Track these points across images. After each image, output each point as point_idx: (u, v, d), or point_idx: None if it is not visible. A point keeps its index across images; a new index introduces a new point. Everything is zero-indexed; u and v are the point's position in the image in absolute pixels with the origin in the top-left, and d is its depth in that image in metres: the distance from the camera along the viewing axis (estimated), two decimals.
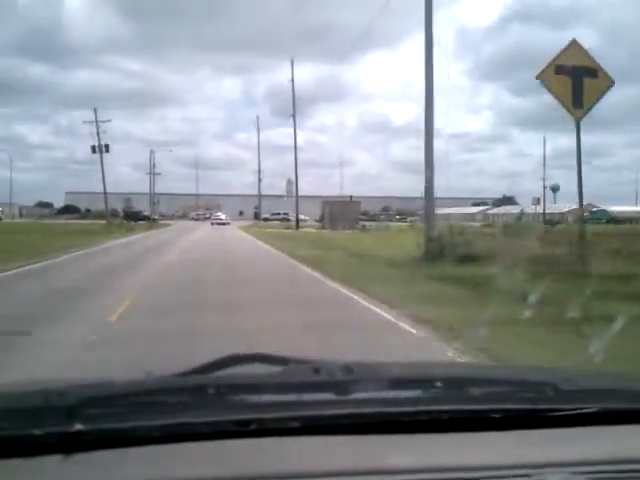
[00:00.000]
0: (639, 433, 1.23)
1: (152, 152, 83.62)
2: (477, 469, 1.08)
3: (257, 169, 79.39)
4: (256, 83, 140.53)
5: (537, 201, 64.28)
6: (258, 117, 75.78)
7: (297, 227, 48.26)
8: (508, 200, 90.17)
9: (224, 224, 72.28)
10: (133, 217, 61.38)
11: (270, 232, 37.05)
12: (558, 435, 1.23)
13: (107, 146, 54.22)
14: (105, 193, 52.78)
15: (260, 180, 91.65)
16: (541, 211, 65.68)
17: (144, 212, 68.26)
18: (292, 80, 45.92)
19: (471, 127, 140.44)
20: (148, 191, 77.89)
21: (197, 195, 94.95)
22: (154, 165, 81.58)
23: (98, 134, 52.78)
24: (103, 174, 47.90)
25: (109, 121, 54.69)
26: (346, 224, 48.68)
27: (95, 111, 51.58)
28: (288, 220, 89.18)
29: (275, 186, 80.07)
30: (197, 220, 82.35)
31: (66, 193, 79.67)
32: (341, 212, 58.46)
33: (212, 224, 71.87)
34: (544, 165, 69.39)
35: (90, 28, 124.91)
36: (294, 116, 47.48)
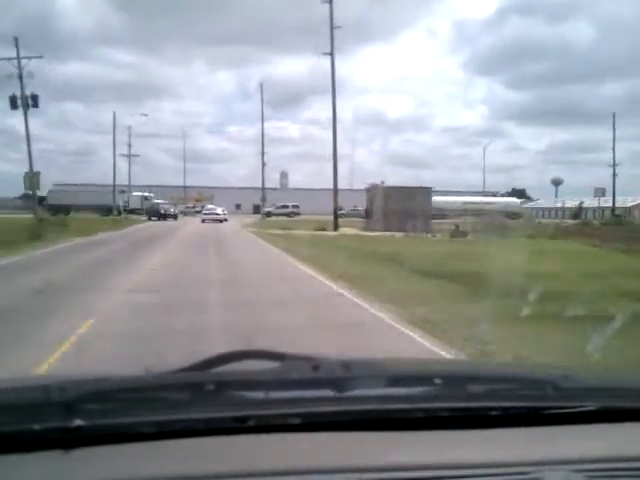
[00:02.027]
0: (638, 431, 1.25)
1: (129, 128, 79.12)
2: (476, 466, 1.09)
3: (256, 162, 73.55)
4: (250, 76, 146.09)
5: (601, 193, 60.08)
6: (262, 88, 76.45)
7: (336, 227, 37.55)
8: (519, 193, 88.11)
9: (220, 220, 56.97)
10: (152, 213, 60.06)
11: (301, 237, 27.61)
12: (557, 433, 1.23)
13: (35, 98, 36.43)
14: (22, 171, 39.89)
15: (264, 164, 79.04)
16: (604, 204, 60.70)
17: (167, 207, 64.43)
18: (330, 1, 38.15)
19: (467, 121, 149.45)
20: (140, 182, 74.33)
21: (185, 187, 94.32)
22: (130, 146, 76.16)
23: (21, 77, 36.39)
24: (29, 142, 37.02)
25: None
26: (414, 224, 34.50)
27: (16, 41, 36.42)
28: (297, 215, 78.82)
29: (268, 179, 79.12)
30: (185, 214, 73.25)
31: (53, 185, 75.23)
32: (403, 206, 41.28)
33: (203, 221, 55.92)
34: (613, 152, 59.73)
35: (82, 19, 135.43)
36: (332, 51, 40.87)
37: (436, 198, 73.66)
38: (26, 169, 33.85)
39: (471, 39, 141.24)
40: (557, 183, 75.35)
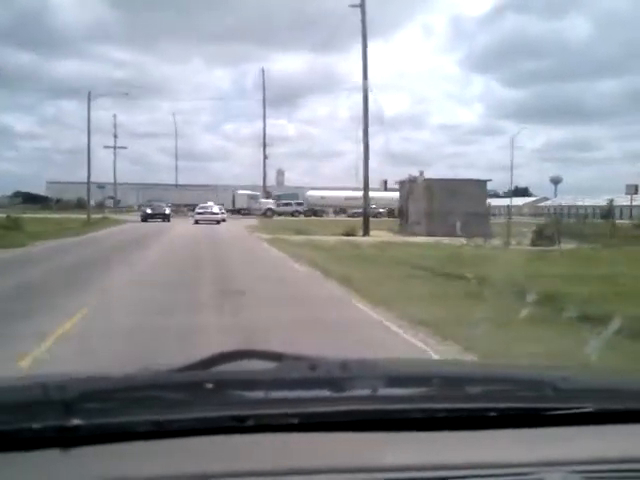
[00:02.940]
0: (636, 432, 1.30)
1: (115, 117, 73.25)
2: (474, 467, 1.13)
3: (254, 159, 72.43)
4: (247, 73, 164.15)
5: (634, 190, 52.94)
6: (264, 74, 74.13)
7: (366, 231, 32.48)
8: (522, 191, 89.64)
9: (217, 221, 47.59)
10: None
11: (335, 247, 22.05)
12: (555, 434, 1.27)
13: None
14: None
15: (266, 158, 75.39)
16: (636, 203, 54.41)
17: (157, 204, 55.33)
18: None
19: (463, 119, 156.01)
20: (136, 180, 75.39)
21: (177, 185, 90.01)
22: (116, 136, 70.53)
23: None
24: None
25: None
26: (468, 227, 28.52)
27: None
28: (301, 213, 70.24)
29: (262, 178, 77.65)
30: (177, 213, 64.59)
31: (47, 182, 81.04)
32: (450, 203, 32.97)
33: (197, 222, 46.81)
34: None
35: (78, 16, 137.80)
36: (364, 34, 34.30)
37: (312, 193, 72.11)
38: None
39: (468, 36, 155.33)
40: (556, 181, 78.86)
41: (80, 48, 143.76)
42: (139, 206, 56.56)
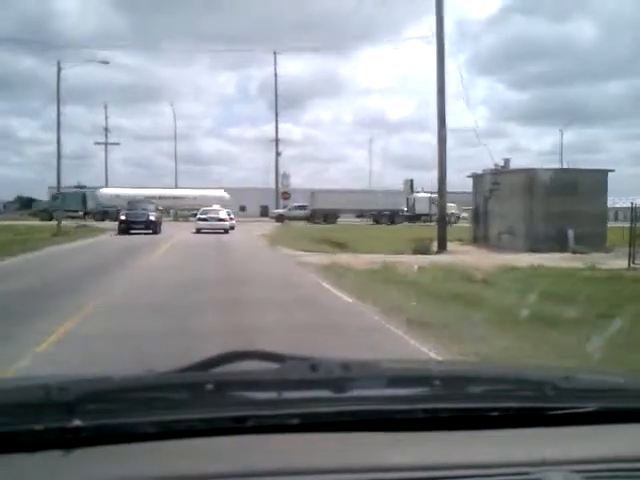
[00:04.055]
0: (637, 432, 1.37)
1: (105, 107, 68.23)
2: (475, 467, 1.19)
3: (260, 161, 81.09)
4: (251, 77, 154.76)
5: None
6: (276, 67, 67.65)
7: (443, 246, 23.43)
8: None
9: (224, 230, 36.86)
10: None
11: (427, 279, 13.36)
12: (556, 433, 1.33)
13: None
14: None
15: (278, 154, 67.98)
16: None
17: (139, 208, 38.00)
18: None
19: (469, 122, 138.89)
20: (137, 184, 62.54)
21: (177, 189, 76.22)
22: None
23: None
24: None
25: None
26: (587, 240, 21.27)
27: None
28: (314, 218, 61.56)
29: (269, 181, 71.70)
30: (177, 219, 58.10)
31: (49, 187, 66.76)
32: (561, 205, 22.73)
33: (199, 230, 36.48)
34: None
35: (82, 21, 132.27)
36: None
37: (105, 191, 61.29)
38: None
39: (472, 39, 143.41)
40: None
41: (84, 52, 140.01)
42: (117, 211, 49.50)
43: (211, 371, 1.44)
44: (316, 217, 61.56)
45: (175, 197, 63.39)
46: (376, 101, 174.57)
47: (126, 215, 35.93)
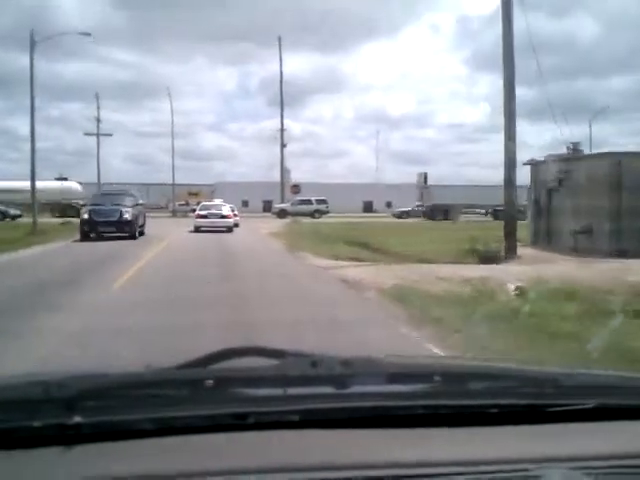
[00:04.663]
0: (637, 429, 1.37)
1: (97, 97, 58.73)
2: (475, 463, 1.19)
3: (263, 155, 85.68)
4: (251, 73, 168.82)
5: None
6: (281, 58, 59.96)
7: (512, 250, 17.18)
8: None
9: (227, 228, 30.62)
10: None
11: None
12: (557, 430, 1.33)
13: None
14: None
15: (284, 146, 57.91)
16: None
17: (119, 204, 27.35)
18: None
19: (468, 118, 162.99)
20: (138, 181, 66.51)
21: (174, 185, 68.12)
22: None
23: None
24: None
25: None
26: None
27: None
28: (324, 213, 54.88)
29: (269, 176, 67.48)
30: (174, 216, 55.24)
31: None
32: None
33: (197, 229, 30.65)
34: None
35: (81, 17, 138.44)
36: None
37: None
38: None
39: (474, 35, 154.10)
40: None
41: (84, 49, 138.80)
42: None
43: (211, 367, 1.43)
44: (435, 214, 57.39)
45: (7, 190, 53.10)
46: (377, 97, 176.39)
47: (89, 213, 27.00)
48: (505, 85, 18.99)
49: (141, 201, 30.43)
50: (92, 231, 25.59)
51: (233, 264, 15.84)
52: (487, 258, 16.78)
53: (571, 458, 1.13)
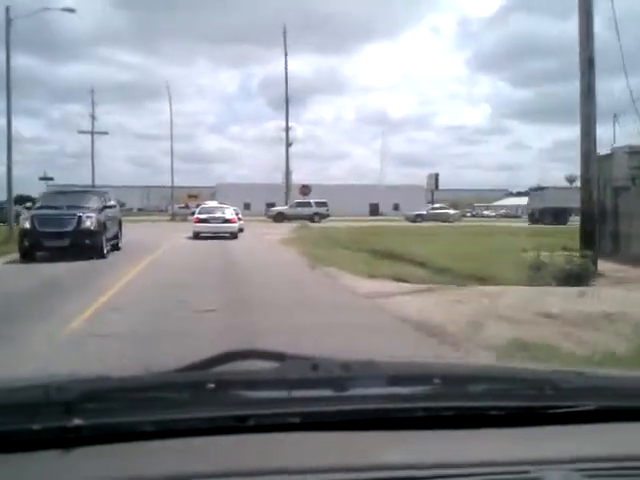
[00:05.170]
0: (637, 430, 1.42)
1: (92, 92, 58.97)
2: (475, 465, 1.20)
3: (266, 157, 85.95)
4: (253, 75, 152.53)
5: None
6: (286, 54, 62.04)
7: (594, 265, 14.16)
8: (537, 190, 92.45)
9: (231, 234, 26.21)
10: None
11: None
12: (557, 432, 1.38)
13: None
14: None
15: (289, 145, 57.34)
16: None
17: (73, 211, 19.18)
18: None
19: (469, 119, 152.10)
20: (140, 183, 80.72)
21: (172, 187, 66.55)
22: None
23: None
24: None
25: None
26: None
27: None
28: (325, 216, 50.39)
29: (271, 178, 73.63)
30: (174, 219, 52.40)
31: (48, 186, 57.72)
32: None
33: (196, 235, 26.16)
34: None
35: (83, 19, 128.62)
36: None
37: None
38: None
39: (475, 36, 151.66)
40: (571, 180, 74.11)
41: (85, 51, 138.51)
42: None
43: (211, 370, 1.46)
44: (545, 217, 55.41)
45: None
46: (378, 98, 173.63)
47: (32, 220, 19.56)
48: (581, 60, 14.02)
49: (113, 202, 23.01)
50: (36, 247, 18.53)
51: (243, 292, 11.44)
52: (570, 277, 12.34)
53: (571, 460, 1.13)
